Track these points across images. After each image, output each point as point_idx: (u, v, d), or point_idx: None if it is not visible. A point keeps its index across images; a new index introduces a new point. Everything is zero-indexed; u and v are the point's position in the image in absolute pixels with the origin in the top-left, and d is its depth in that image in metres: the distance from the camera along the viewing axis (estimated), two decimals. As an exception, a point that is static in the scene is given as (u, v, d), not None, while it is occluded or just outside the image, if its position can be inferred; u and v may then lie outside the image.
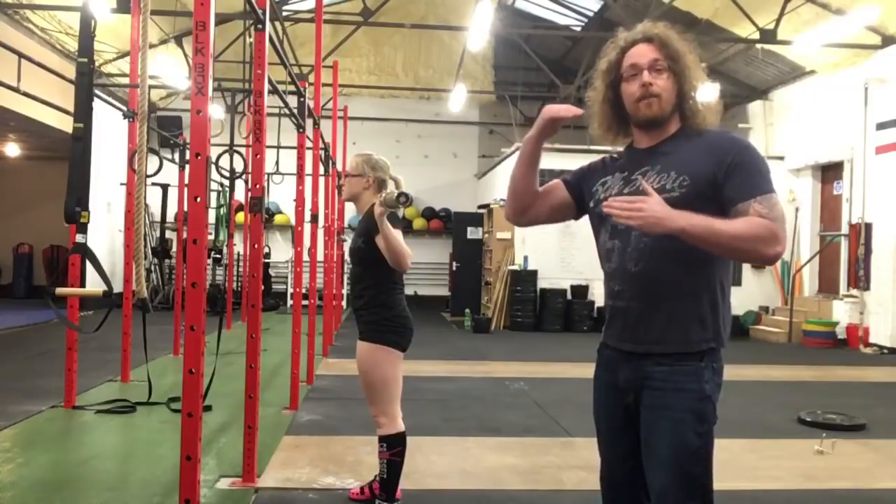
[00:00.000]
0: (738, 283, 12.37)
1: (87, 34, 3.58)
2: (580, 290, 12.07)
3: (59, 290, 3.97)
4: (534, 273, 12.09)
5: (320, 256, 9.05)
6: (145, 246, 12.50)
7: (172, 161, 8.79)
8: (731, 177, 1.88)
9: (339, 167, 10.45)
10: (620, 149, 2.19)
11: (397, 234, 3.12)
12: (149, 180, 4.83)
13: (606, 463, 2.13)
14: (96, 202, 9.46)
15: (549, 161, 12.59)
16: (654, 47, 1.99)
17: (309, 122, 6.36)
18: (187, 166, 6.11)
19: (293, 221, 8.85)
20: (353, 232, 3.51)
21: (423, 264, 15.59)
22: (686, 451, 1.91)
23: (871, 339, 10.29)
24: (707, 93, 2.06)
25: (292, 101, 5.97)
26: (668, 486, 1.91)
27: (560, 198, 2.21)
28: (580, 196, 2.19)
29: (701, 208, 1.86)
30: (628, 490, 2.07)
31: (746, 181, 1.87)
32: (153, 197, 12.76)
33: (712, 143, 1.96)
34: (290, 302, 13.93)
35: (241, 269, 13.50)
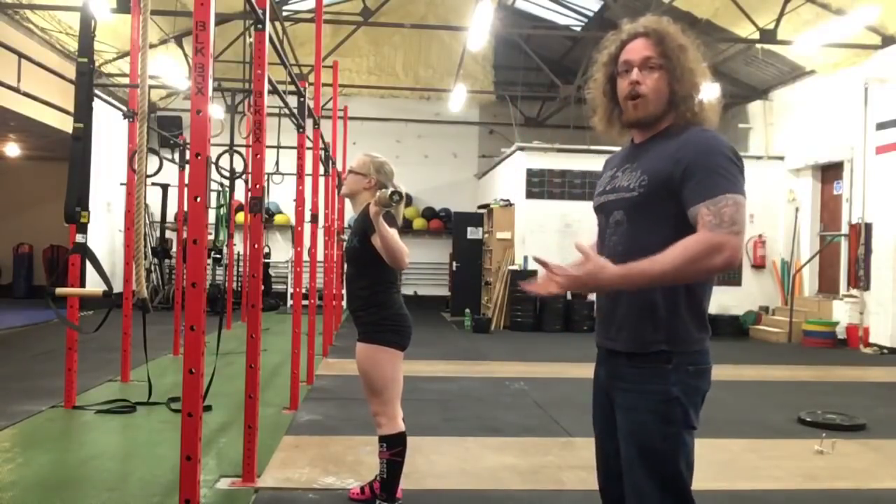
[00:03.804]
0: (738, 283, 12.39)
1: (87, 34, 3.59)
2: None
3: (59, 290, 3.97)
4: (534, 273, 12.04)
5: (320, 256, 9.05)
6: (145, 246, 12.50)
7: (172, 161, 8.79)
8: (687, 179, 1.85)
9: (339, 167, 10.46)
10: (617, 148, 2.22)
11: (393, 233, 3.11)
12: (149, 180, 4.83)
13: (601, 457, 2.16)
14: (96, 202, 9.46)
15: (549, 161, 12.68)
16: (650, 43, 1.96)
17: (309, 122, 6.35)
18: (187, 166, 6.11)
19: (293, 221, 8.86)
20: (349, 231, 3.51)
21: (423, 264, 15.59)
22: (651, 453, 1.91)
23: (871, 339, 10.29)
24: (707, 91, 2.06)
25: (292, 101, 5.97)
26: (638, 486, 1.93)
27: None
28: None
29: (658, 207, 1.90)
30: (622, 484, 2.09)
31: (699, 184, 1.83)
32: (153, 197, 12.77)
33: (681, 143, 1.91)
34: (290, 302, 13.92)
35: (241, 269, 13.50)
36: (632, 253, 1.88)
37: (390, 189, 3.03)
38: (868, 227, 10.46)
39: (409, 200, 15.91)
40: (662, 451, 1.90)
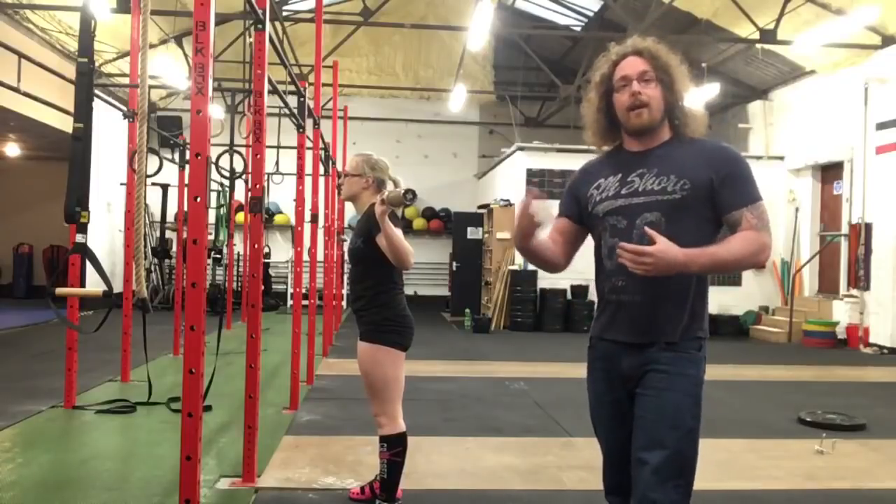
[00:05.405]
0: (737, 283, 12.39)
1: (87, 34, 3.58)
2: (580, 290, 12.07)
3: (59, 291, 3.97)
4: (534, 273, 12.08)
5: (320, 256, 9.05)
6: (145, 246, 12.50)
7: (172, 161, 8.79)
8: (725, 186, 2.06)
9: (340, 167, 10.46)
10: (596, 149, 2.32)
11: (399, 233, 3.10)
12: (149, 180, 4.83)
13: (609, 450, 2.22)
14: (96, 202, 9.44)
15: (549, 161, 12.68)
16: (643, 60, 2.12)
17: (309, 122, 6.35)
18: (187, 166, 6.11)
19: (293, 221, 8.86)
20: (353, 232, 3.50)
21: (423, 264, 15.58)
22: (682, 432, 2.03)
23: (871, 339, 10.29)
24: (693, 100, 2.21)
25: (292, 101, 5.97)
26: (663, 464, 2.00)
27: (571, 231, 2.30)
28: (580, 216, 2.28)
29: (699, 209, 2.06)
30: (630, 475, 2.12)
31: (738, 191, 2.07)
32: (153, 197, 12.75)
33: (707, 152, 2.11)
34: (290, 302, 13.92)
35: (241, 269, 13.50)
36: None
37: (403, 187, 3.00)
38: (868, 227, 10.46)
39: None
40: (689, 431, 2.04)
